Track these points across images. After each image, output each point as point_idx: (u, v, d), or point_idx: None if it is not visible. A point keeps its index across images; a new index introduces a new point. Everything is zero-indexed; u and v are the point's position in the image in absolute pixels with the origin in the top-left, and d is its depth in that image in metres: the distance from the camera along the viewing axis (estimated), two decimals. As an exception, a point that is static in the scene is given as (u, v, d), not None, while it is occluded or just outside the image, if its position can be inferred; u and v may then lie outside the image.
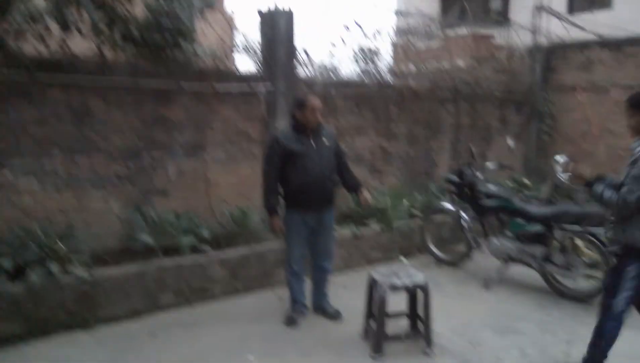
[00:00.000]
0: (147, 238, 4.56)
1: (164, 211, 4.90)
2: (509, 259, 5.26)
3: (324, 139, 4.14)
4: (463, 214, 5.74)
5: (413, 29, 7.98)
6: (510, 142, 5.69)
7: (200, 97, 5.08)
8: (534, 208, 5.10)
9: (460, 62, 9.37)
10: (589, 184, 3.29)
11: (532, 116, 8.54)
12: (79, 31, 4.41)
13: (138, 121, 4.81)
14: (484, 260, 5.67)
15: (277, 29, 5.39)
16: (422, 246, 6.22)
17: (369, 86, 6.61)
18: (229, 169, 5.41)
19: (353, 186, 4.38)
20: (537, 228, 5.03)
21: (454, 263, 5.94)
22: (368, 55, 8.36)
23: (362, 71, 7.72)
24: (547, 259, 4.95)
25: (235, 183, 5.47)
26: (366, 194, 4.32)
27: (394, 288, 3.73)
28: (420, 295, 3.87)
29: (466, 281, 5.42)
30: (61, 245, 4.13)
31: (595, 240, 4.62)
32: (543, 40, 8.53)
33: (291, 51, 5.59)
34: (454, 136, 7.70)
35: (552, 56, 8.53)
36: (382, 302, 3.71)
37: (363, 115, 6.58)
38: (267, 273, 5.06)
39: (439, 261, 6.05)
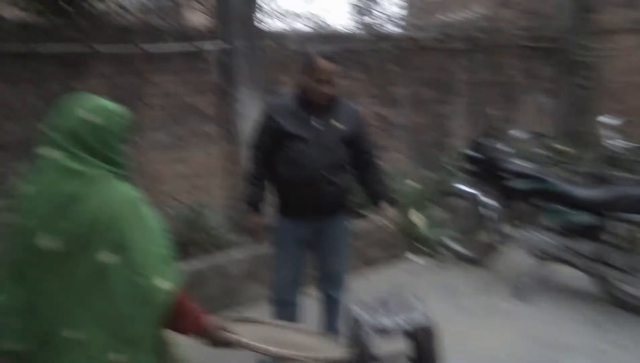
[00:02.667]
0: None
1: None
2: (547, 258, 3.99)
3: (336, 121, 2.77)
4: (483, 199, 4.44)
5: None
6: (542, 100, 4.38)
7: (125, 64, 3.83)
8: (581, 191, 3.78)
9: (478, 8, 7.94)
10: None
11: (566, 67, 7.07)
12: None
13: (40, 100, 3.60)
14: (516, 256, 4.40)
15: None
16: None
17: (361, 39, 5.24)
18: (175, 156, 4.19)
19: (374, 195, 3.00)
20: (585, 217, 3.73)
21: (478, 260, 4.66)
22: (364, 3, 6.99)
23: (358, 23, 6.39)
24: (601, 259, 3.68)
25: (186, 173, 4.26)
26: (390, 214, 2.96)
27: (382, 332, 2.52)
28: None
29: (492, 288, 4.17)
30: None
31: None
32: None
33: (251, -4, 4.29)
34: (471, 96, 6.33)
35: (589, -8, 7.01)
36: (365, 351, 2.51)
37: (354, 76, 5.24)
38: (232, 292, 3.89)
39: (458, 258, 4.79)
